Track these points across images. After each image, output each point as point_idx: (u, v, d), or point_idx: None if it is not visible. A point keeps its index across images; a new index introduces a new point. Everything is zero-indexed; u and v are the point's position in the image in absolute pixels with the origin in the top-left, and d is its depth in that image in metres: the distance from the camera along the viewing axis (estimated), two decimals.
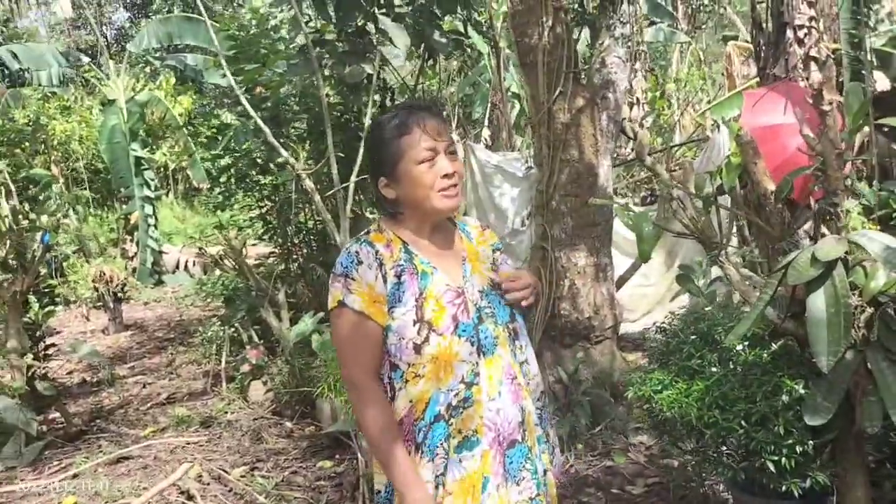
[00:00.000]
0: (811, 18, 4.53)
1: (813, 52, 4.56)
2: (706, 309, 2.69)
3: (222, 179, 6.94)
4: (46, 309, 6.06)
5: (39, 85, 11.34)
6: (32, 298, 7.98)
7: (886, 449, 2.56)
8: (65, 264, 6.34)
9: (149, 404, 5.96)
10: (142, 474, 4.54)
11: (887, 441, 2.51)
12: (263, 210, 6.90)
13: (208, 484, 4.32)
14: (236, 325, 6.10)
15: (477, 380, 1.78)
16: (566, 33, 4.55)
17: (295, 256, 6.75)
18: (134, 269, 11.37)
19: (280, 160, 5.56)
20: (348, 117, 6.07)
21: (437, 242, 1.91)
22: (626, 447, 4.16)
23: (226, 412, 5.49)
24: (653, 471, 3.85)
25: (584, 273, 4.62)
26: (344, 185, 4.77)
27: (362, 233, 1.92)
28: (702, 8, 14.27)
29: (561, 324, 4.64)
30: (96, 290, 8.63)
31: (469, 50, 12.22)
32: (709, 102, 11.15)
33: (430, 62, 6.62)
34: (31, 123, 13.55)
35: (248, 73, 5.78)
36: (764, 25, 4.67)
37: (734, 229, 4.65)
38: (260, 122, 4.77)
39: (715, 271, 2.90)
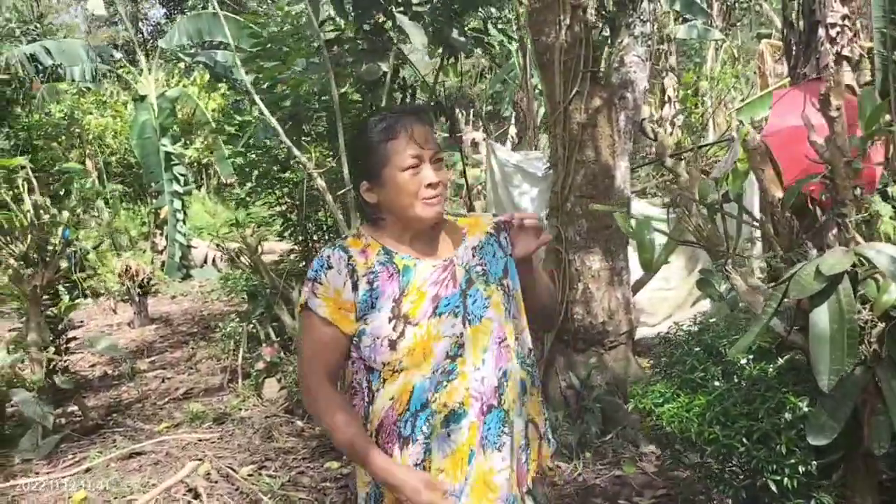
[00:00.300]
0: (844, 17, 4.38)
1: (845, 52, 4.42)
2: (711, 320, 2.59)
3: (245, 176, 6.98)
4: (68, 303, 6.12)
5: (73, 80, 11.49)
6: (62, 290, 8.11)
7: None
8: (86, 259, 6.41)
9: (166, 399, 6.00)
10: (152, 470, 4.56)
11: None
12: (284, 207, 6.91)
13: (216, 482, 4.32)
14: (254, 321, 6.12)
15: (461, 351, 1.72)
16: (584, 31, 4.46)
17: (314, 254, 6.75)
18: (163, 263, 11.51)
19: (295, 159, 5.54)
20: (367, 115, 6.03)
21: (418, 248, 1.85)
22: (637, 456, 4.06)
23: (240, 409, 5.50)
24: (661, 482, 3.75)
25: (599, 277, 4.53)
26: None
27: (340, 237, 1.90)
28: (737, 4, 13.99)
29: (574, 328, 4.55)
30: (122, 283, 8.71)
31: (497, 47, 12.15)
32: (742, 101, 10.92)
33: (452, 60, 6.55)
34: (66, 118, 13.80)
35: (268, 70, 5.77)
36: (795, 23, 4.53)
37: (756, 234, 4.52)
38: (272, 119, 4.75)
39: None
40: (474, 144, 12.50)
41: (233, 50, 5.53)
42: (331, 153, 5.98)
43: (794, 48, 4.58)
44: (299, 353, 1.83)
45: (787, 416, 2.21)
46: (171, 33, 11.17)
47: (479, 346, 1.73)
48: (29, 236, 5.46)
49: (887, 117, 2.38)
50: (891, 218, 2.78)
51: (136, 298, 8.81)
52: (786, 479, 2.20)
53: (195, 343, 7.74)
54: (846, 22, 4.46)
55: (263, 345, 5.73)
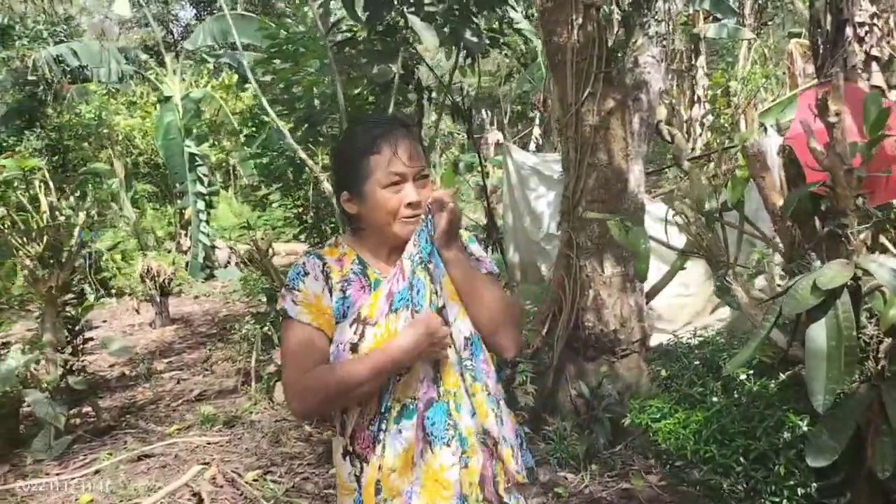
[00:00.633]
0: (873, 15, 4.24)
1: (874, 52, 4.28)
2: (710, 333, 2.49)
3: (264, 178, 6.99)
4: (87, 304, 6.16)
5: (100, 81, 11.63)
6: (88, 289, 8.19)
7: None
8: (101, 260, 6.48)
9: (179, 401, 6.01)
10: (158, 473, 4.55)
11: None
12: (301, 209, 6.89)
13: (221, 486, 4.30)
14: (269, 323, 6.10)
15: None
16: (597, 32, 4.36)
17: None
18: (187, 263, 11.60)
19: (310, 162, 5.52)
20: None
21: (393, 262, 1.79)
22: (646, 468, 3.95)
23: (250, 412, 5.48)
24: (668, 497, 3.63)
25: (611, 283, 4.42)
26: None
27: (317, 246, 1.85)
28: (769, 3, 13.72)
29: (584, 336, 4.45)
30: (144, 283, 8.78)
31: (524, 47, 12.03)
32: (773, 101, 10.69)
33: (469, 61, 6.48)
34: (95, 118, 13.98)
35: (282, 72, 5.75)
36: (822, 22, 4.39)
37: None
38: (278, 121, 4.72)
39: (759, 282, 2.71)
40: (497, 145, 12.40)
41: (240, 49, 5.49)
42: None
43: (821, 48, 4.45)
44: (284, 363, 1.76)
45: (787, 435, 2.12)
46: (195, 34, 11.27)
47: None
48: (45, 237, 5.51)
49: None
50: None
51: (157, 299, 8.86)
52: (784, 502, 2.10)
53: (213, 344, 7.76)
54: (875, 21, 4.32)
55: (277, 347, 5.72)
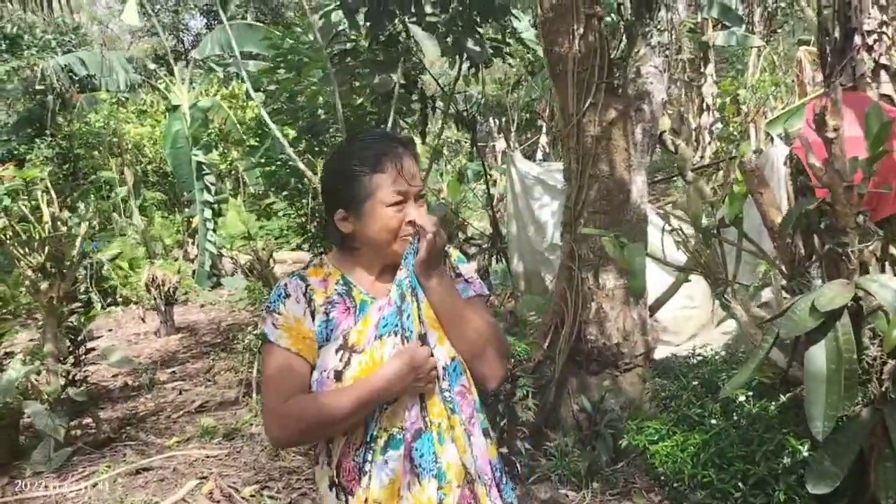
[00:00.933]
0: (882, 23, 4.18)
1: (883, 60, 4.21)
2: (709, 352, 2.42)
3: (267, 186, 6.97)
4: (89, 314, 6.14)
5: (108, 90, 11.68)
6: (95, 298, 8.15)
7: None
8: (103, 270, 6.48)
9: (181, 412, 5.97)
10: (156, 487, 4.51)
11: None
12: (304, 218, 6.86)
13: (218, 501, 4.25)
14: None
15: None
16: (599, 41, 4.30)
17: None
18: (194, 272, 11.59)
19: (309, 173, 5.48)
20: (383, 126, 5.96)
21: (386, 279, 1.75)
22: (649, 487, 3.86)
23: (251, 424, 5.43)
24: None
25: (613, 296, 4.35)
26: None
27: (301, 266, 1.80)
28: (779, 10, 13.62)
29: (587, 349, 4.37)
30: (149, 292, 8.77)
31: (531, 56, 11.98)
32: (782, 110, 10.59)
33: (473, 70, 6.44)
34: (104, 127, 14.04)
35: (284, 82, 5.72)
36: (830, 30, 4.32)
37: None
38: (277, 131, 4.69)
39: (766, 294, 2.64)
40: (504, 154, 12.36)
41: (238, 58, 5.46)
42: None
43: (829, 56, 4.39)
44: (263, 389, 1.72)
45: (786, 460, 2.05)
46: (203, 43, 11.30)
47: None
48: (46, 248, 5.49)
49: None
50: None
51: (162, 308, 8.84)
52: None
53: (216, 354, 7.72)
54: (884, 29, 4.25)
55: None
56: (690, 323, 5.75)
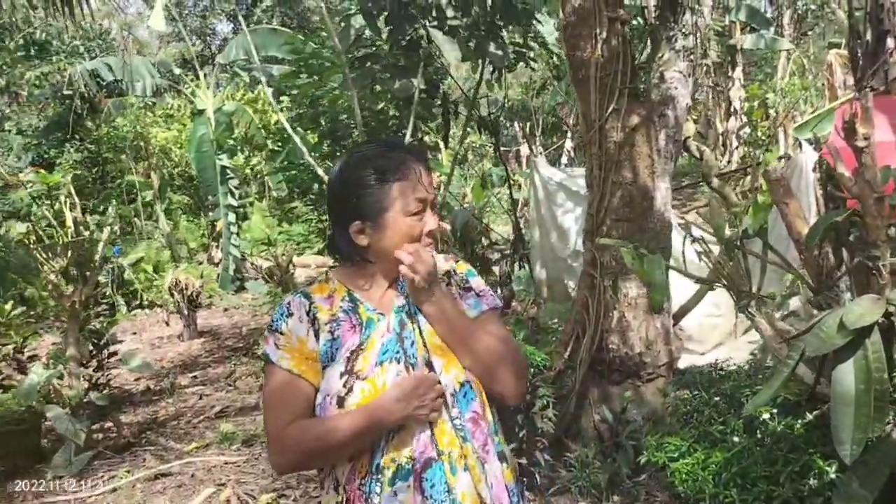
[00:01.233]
0: None
1: None
2: (731, 366, 2.35)
3: (290, 190, 6.98)
4: (110, 319, 6.18)
5: (135, 95, 11.79)
6: (120, 301, 8.19)
7: None
8: (124, 275, 6.53)
9: (201, 417, 5.98)
10: (174, 493, 4.51)
11: None
12: (325, 224, 6.85)
13: None
14: None
15: None
16: (622, 46, 4.22)
17: None
18: (218, 275, 11.65)
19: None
20: (403, 132, 5.93)
21: (392, 295, 1.70)
22: (672, 502, 3.78)
23: None
24: None
25: (636, 305, 4.26)
26: None
27: (306, 284, 1.76)
28: (809, 13, 13.41)
29: (609, 359, 4.29)
30: (172, 296, 8.81)
31: (557, 60, 11.91)
32: (812, 114, 10.41)
33: (496, 74, 6.39)
34: (131, 131, 14.19)
35: (304, 86, 5.71)
36: (861, 33, 4.21)
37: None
38: (295, 136, 4.67)
39: (794, 303, 2.56)
40: (528, 159, 12.28)
41: (256, 62, 5.45)
42: None
43: (860, 59, 4.27)
44: (265, 411, 1.65)
45: (813, 481, 1.96)
46: (228, 48, 11.36)
47: None
48: (69, 252, 5.53)
49: None
50: None
51: (185, 312, 8.89)
52: None
53: (237, 359, 7.73)
54: None
55: None
56: (716, 331, 5.64)
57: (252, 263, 7.19)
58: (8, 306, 6.17)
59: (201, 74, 11.86)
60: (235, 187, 11.50)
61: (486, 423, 1.63)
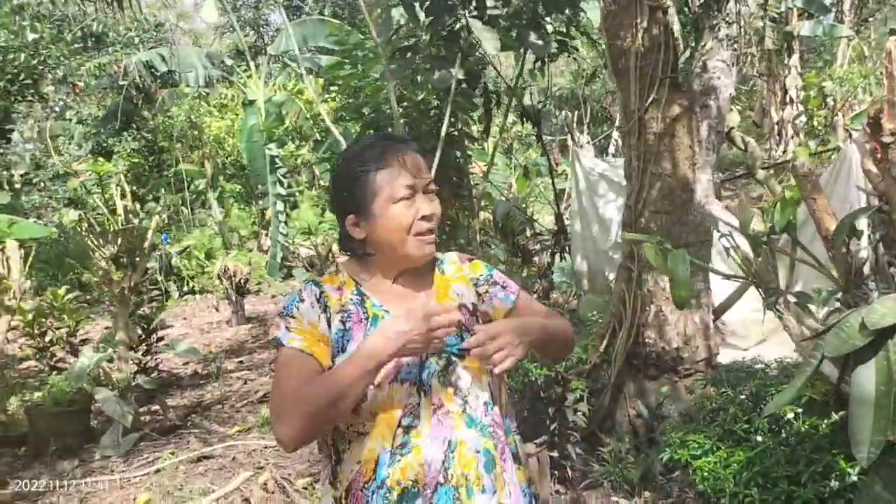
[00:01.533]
0: None
1: None
2: (757, 365, 2.30)
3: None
4: (160, 305, 6.36)
5: (188, 85, 12.04)
6: (173, 287, 8.40)
7: None
8: (172, 262, 6.71)
9: (244, 401, 6.11)
10: (215, 475, 4.63)
11: None
12: None
13: (272, 492, 4.32)
14: None
15: (416, 423, 1.57)
16: (663, 35, 4.15)
17: None
18: (267, 263, 11.86)
19: None
20: (440, 124, 5.93)
21: (405, 283, 1.72)
22: (697, 497, 3.73)
23: None
24: None
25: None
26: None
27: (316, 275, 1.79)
28: None
29: (645, 353, 4.24)
30: (220, 282, 9.00)
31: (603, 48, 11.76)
32: (870, 103, 10.05)
33: (539, 64, 6.35)
34: (185, 121, 14.51)
35: (346, 77, 5.76)
36: None
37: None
38: (333, 127, 4.71)
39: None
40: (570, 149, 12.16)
41: (297, 53, 5.51)
42: None
43: None
44: (272, 393, 1.64)
45: (835, 483, 1.92)
46: (279, 39, 11.51)
47: (431, 418, 1.58)
48: (119, 239, 5.70)
49: None
50: None
51: (233, 298, 9.07)
52: None
53: None
54: None
55: None
56: (760, 327, 5.51)
57: (293, 252, 7.28)
58: (62, 291, 6.40)
59: (253, 65, 12.04)
60: (284, 176, 11.67)
61: (503, 429, 1.65)
